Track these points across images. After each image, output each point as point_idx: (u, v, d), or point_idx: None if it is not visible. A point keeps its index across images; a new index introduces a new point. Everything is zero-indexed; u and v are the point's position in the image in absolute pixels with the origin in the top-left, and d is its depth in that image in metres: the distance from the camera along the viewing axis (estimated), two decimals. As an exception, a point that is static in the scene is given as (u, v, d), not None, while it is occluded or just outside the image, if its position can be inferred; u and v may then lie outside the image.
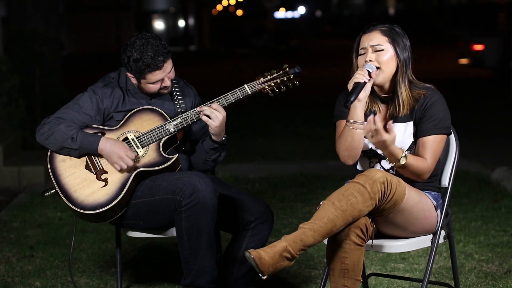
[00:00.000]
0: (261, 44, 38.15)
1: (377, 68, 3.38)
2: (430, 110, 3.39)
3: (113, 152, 3.63)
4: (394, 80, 3.42)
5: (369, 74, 3.35)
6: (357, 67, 3.44)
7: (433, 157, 3.37)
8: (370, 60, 3.37)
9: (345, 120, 3.45)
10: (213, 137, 3.75)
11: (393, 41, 3.40)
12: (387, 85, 3.44)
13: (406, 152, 3.29)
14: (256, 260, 3.10)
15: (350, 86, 3.33)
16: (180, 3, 42.97)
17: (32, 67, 9.52)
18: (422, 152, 3.37)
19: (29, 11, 10.37)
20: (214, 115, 3.65)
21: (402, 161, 3.26)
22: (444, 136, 3.41)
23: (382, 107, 3.48)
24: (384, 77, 3.40)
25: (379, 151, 3.45)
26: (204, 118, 3.67)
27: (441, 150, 3.42)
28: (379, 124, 3.19)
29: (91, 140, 3.66)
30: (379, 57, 3.38)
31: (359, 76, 3.32)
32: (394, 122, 3.42)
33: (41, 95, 9.55)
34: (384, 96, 3.47)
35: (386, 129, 3.25)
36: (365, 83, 3.33)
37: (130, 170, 3.64)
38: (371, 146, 3.46)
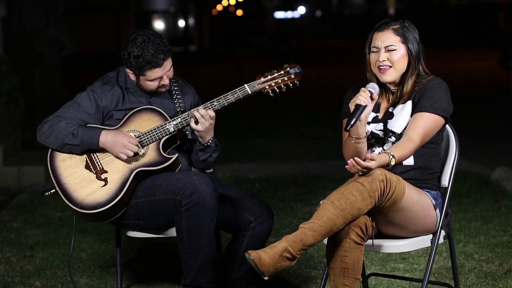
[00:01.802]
0: (261, 44, 38.14)
1: (390, 67, 3.43)
2: (429, 91, 3.43)
3: (116, 142, 3.64)
4: (404, 75, 3.48)
5: (371, 96, 3.37)
6: (370, 64, 3.49)
7: (422, 135, 3.37)
8: (384, 60, 3.43)
9: None
10: (199, 138, 3.76)
11: (405, 40, 3.45)
12: (397, 80, 3.49)
13: (390, 153, 3.29)
14: (255, 261, 3.10)
15: (351, 107, 3.36)
16: (180, 3, 42.96)
17: (32, 67, 9.52)
18: (412, 127, 3.37)
19: (29, 11, 10.37)
20: (202, 121, 3.66)
21: (393, 162, 3.28)
22: (438, 118, 3.41)
23: (390, 97, 3.53)
24: (395, 75, 3.46)
25: (381, 134, 3.47)
26: (192, 124, 3.67)
27: (432, 131, 3.41)
28: (363, 163, 3.19)
29: (91, 134, 3.66)
30: (391, 56, 3.44)
31: (362, 99, 3.34)
32: (394, 105, 3.49)
33: (41, 95, 9.55)
34: (394, 88, 3.52)
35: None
36: (366, 105, 3.35)
37: (134, 159, 3.64)
38: (371, 129, 3.48)
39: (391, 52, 3.44)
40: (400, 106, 3.48)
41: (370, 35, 3.51)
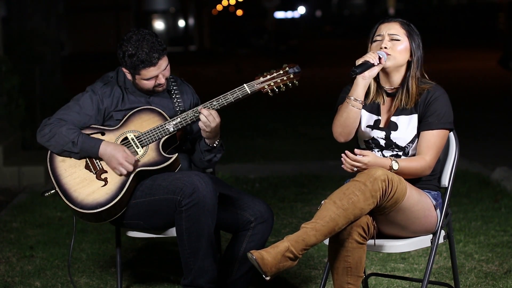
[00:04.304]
0: (261, 44, 38.16)
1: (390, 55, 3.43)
2: (433, 104, 3.42)
3: (113, 157, 3.63)
4: (405, 74, 3.47)
5: (379, 59, 3.37)
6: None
7: (434, 153, 3.38)
8: (385, 47, 3.42)
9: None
10: (206, 140, 3.76)
11: (410, 36, 3.46)
12: (395, 79, 3.48)
13: (394, 159, 3.30)
14: (258, 260, 3.09)
15: (358, 62, 3.38)
16: (180, 3, 42.98)
17: (32, 67, 9.52)
18: (424, 147, 3.38)
19: (29, 11, 10.37)
20: (209, 120, 3.65)
21: (395, 167, 3.28)
22: (447, 132, 3.44)
23: (386, 100, 3.52)
24: (393, 63, 3.44)
25: (381, 142, 3.46)
26: (200, 124, 3.67)
27: (443, 145, 3.43)
28: (351, 155, 3.22)
29: (91, 144, 3.65)
30: (394, 45, 3.44)
31: (370, 56, 3.38)
32: (398, 114, 3.47)
33: (41, 95, 9.55)
34: (390, 89, 3.50)
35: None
36: (373, 64, 3.36)
37: (129, 174, 3.65)
38: (373, 135, 3.48)
39: (394, 42, 3.43)
40: (405, 118, 3.45)
41: (375, 27, 3.51)
